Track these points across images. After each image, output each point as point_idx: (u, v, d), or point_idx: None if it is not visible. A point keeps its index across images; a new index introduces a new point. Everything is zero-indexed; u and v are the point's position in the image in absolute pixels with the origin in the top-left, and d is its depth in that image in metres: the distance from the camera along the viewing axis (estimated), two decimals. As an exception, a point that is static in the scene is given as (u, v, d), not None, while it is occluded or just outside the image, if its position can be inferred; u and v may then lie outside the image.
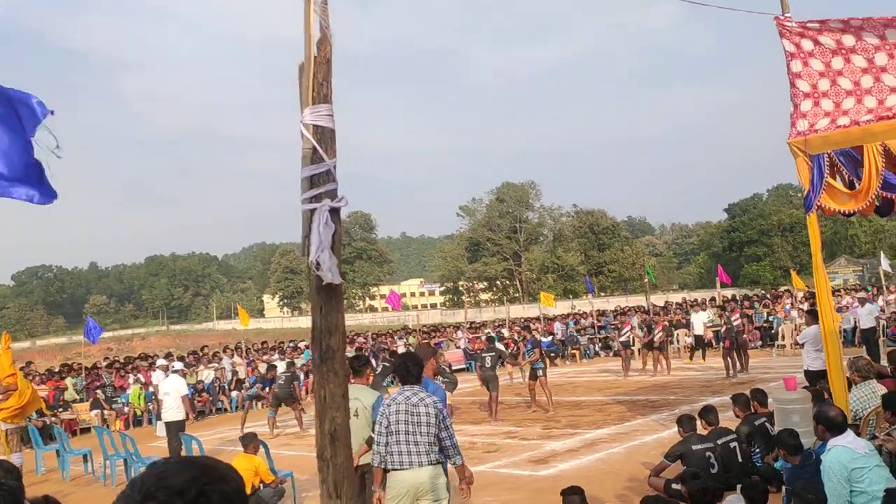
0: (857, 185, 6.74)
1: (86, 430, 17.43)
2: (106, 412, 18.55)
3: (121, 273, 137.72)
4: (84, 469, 12.38)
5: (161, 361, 17.13)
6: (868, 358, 10.27)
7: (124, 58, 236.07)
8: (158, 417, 14.35)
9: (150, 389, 18.37)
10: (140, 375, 20.15)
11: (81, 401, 19.37)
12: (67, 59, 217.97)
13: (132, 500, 1.16)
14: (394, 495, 5.05)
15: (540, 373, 14.54)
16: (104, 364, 22.95)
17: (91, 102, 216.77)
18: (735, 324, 17.61)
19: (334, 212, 3.11)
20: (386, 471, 5.11)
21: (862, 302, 18.65)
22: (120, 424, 18.08)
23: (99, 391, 19.27)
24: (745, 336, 18.29)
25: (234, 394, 20.56)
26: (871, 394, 7.19)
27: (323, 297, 3.18)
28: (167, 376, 12.68)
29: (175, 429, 11.52)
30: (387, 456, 5.08)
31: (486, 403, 14.40)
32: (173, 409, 11.67)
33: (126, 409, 18.89)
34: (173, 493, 1.15)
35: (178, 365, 13.11)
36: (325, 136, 3.18)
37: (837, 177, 7.06)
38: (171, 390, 11.79)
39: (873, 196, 6.65)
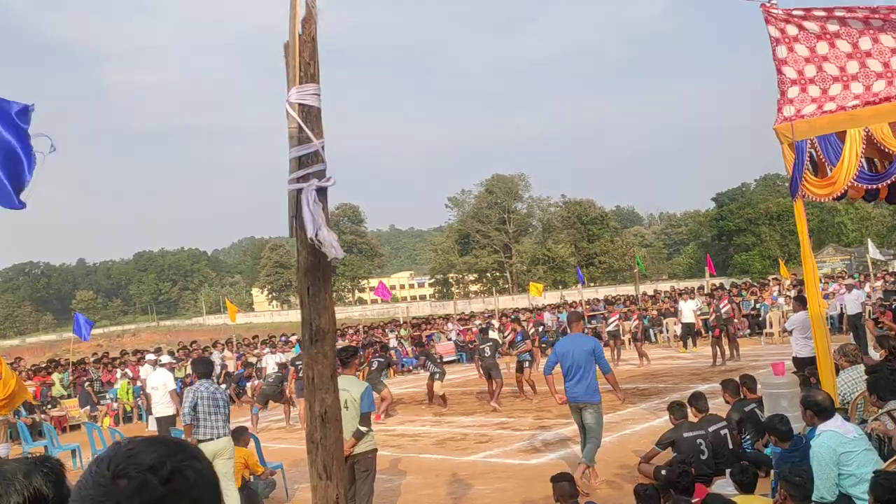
0: (830, 172, 6.74)
1: (76, 427, 17.33)
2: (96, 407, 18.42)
3: (109, 269, 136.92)
4: (73, 465, 12.30)
5: (150, 356, 17.01)
6: (855, 343, 10.33)
7: (107, 50, 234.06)
8: (149, 412, 14.27)
9: (138, 384, 18.26)
10: (128, 370, 20.01)
11: (69, 396, 19.24)
12: (48, 53, 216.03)
13: (101, 477, 1.10)
14: None
15: (526, 365, 14.70)
16: (91, 359, 22.80)
17: (74, 97, 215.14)
18: (724, 310, 17.53)
19: (321, 191, 3.07)
20: (200, 441, 7.14)
21: (849, 288, 18.75)
22: (109, 420, 17.94)
23: (87, 385, 19.12)
24: (735, 323, 18.30)
25: (222, 387, 20.47)
26: (858, 378, 7.24)
27: (310, 278, 3.14)
28: (154, 370, 12.61)
29: (165, 424, 11.48)
30: (199, 429, 7.29)
31: (487, 391, 14.44)
32: (162, 404, 11.62)
33: (115, 404, 18.76)
34: (145, 470, 1.10)
35: (165, 359, 13.02)
36: (311, 116, 3.14)
37: (815, 166, 7.06)
38: (159, 385, 11.74)
39: (847, 186, 6.66)
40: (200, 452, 1.20)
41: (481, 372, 14.79)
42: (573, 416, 8.22)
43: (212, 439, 7.24)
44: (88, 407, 18.20)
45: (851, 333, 17.03)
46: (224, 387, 20.05)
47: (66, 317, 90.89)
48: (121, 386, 18.99)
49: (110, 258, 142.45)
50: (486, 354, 14.32)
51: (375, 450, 6.56)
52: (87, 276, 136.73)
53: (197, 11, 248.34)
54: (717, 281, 38.86)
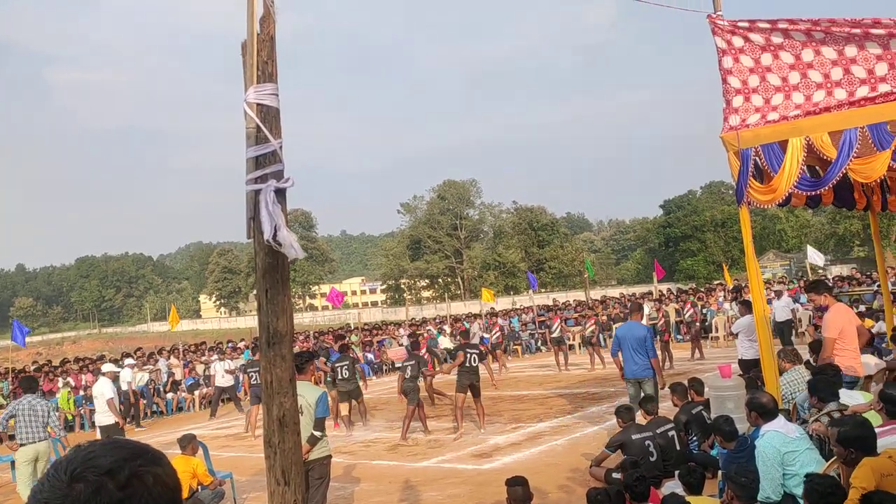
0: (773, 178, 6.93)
1: (13, 437, 16.68)
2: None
3: (49, 275, 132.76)
4: (11, 476, 11.85)
5: (113, 365, 16.48)
6: (793, 346, 10.65)
7: (50, 50, 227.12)
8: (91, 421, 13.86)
9: (80, 393, 17.74)
10: (70, 379, 19.40)
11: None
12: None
13: (58, 481, 1.07)
14: (24, 460, 9.09)
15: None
16: (32, 367, 22.04)
17: (15, 97, 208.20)
18: (688, 315, 19.35)
19: (280, 192, 3.02)
20: (21, 445, 9.17)
21: (778, 295, 19.11)
22: (50, 430, 17.28)
23: (26, 396, 18.44)
24: (697, 325, 19.61)
25: (169, 396, 20.02)
26: (800, 378, 7.45)
27: (269, 281, 3.08)
28: (96, 379, 12.27)
29: (108, 433, 11.20)
30: (20, 434, 9.13)
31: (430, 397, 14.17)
32: (104, 413, 11.37)
33: (56, 414, 18.12)
34: (102, 474, 1.07)
35: (106, 367, 12.59)
36: (269, 116, 3.09)
37: (760, 174, 7.25)
38: (98, 394, 11.49)
39: (788, 192, 6.86)
40: (162, 457, 1.17)
41: (400, 392, 12.53)
42: (629, 389, 10.03)
43: (33, 442, 9.18)
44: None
45: (779, 339, 17.39)
46: (171, 395, 19.77)
47: (4, 324, 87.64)
48: (62, 395, 18.37)
49: (51, 263, 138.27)
50: (407, 375, 12.38)
51: (330, 456, 6.50)
52: (27, 283, 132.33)
53: (143, 11, 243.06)
54: (663, 287, 39.63)
